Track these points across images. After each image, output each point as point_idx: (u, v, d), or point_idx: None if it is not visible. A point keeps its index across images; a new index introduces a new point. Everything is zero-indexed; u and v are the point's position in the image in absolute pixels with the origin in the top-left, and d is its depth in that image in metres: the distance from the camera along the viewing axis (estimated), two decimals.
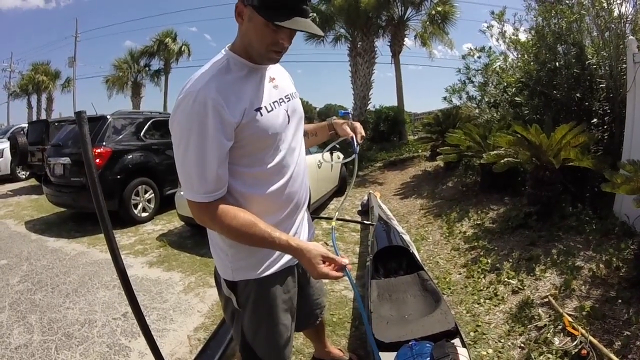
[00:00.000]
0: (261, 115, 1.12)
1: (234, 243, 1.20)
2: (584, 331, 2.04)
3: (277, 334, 1.28)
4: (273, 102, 1.17)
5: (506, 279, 2.86)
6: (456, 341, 1.62)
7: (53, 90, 27.13)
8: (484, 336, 2.29)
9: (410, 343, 1.56)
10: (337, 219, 4.91)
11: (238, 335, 1.31)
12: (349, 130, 1.44)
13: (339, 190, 6.50)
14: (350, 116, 1.49)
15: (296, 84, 1.38)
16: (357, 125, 1.46)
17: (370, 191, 5.73)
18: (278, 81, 1.24)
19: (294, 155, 1.26)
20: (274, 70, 1.25)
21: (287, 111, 1.23)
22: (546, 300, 2.48)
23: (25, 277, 3.57)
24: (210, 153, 1.03)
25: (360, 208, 5.64)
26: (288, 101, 1.25)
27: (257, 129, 1.10)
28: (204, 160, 1.04)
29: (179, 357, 2.32)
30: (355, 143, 1.40)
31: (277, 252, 1.24)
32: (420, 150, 10.40)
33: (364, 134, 1.45)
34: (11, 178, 9.83)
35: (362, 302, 1.23)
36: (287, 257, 1.27)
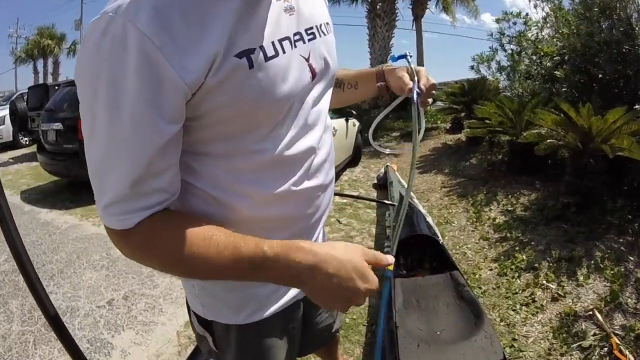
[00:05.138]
0: (252, 65, 0.57)
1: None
2: (632, 358, 1.72)
3: None
4: (280, 40, 0.63)
5: (544, 282, 2.48)
6: None
7: (59, 54, 26.33)
8: (521, 354, 1.95)
9: None
10: (351, 196, 4.51)
11: None
12: (407, 79, 0.87)
13: (353, 160, 5.93)
14: (410, 60, 0.92)
15: None
16: (422, 69, 0.90)
17: (388, 163, 5.14)
18: (296, 1, 0.68)
19: (312, 137, 0.71)
20: None
21: (307, 59, 0.67)
22: (590, 313, 2.12)
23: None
24: (133, 143, 0.54)
25: (376, 181, 5.13)
26: (311, 39, 0.69)
27: (242, 91, 0.58)
28: (121, 154, 0.54)
29: (165, 359, 2.04)
30: (415, 94, 0.85)
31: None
32: (439, 122, 9.82)
33: (433, 80, 0.89)
34: (13, 145, 9.61)
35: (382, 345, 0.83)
36: (293, 292, 0.83)
